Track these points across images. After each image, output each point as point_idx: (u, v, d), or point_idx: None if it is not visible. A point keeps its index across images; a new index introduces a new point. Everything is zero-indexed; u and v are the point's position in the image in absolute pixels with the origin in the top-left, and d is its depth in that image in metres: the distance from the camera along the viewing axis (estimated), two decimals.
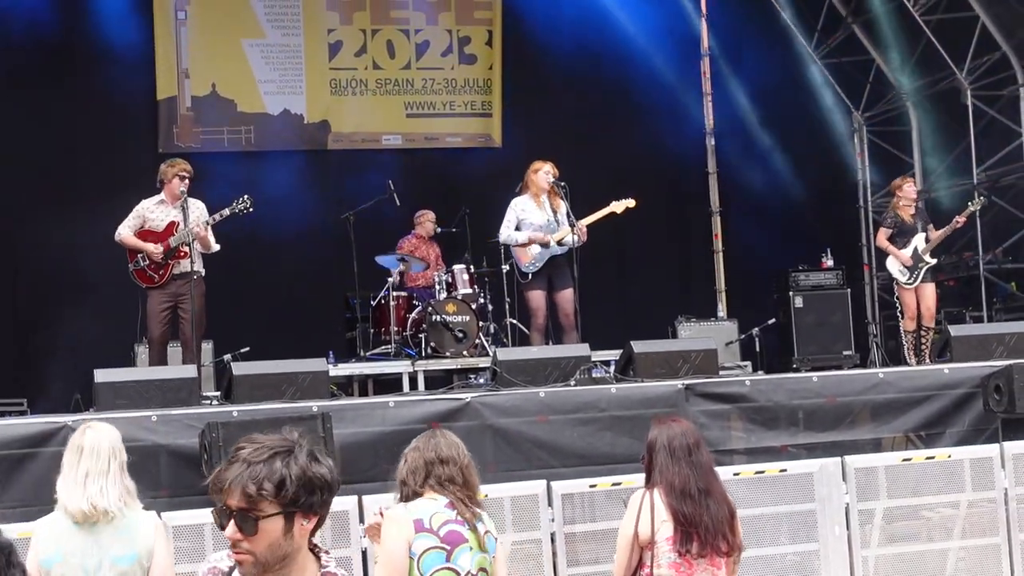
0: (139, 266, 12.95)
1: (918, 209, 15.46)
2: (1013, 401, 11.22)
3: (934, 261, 15.26)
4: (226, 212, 12.95)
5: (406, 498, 6.03)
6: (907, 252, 15.12)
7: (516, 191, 14.12)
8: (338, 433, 10.07)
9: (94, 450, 5.82)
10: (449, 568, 5.92)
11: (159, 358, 12.99)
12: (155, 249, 12.80)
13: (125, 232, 12.92)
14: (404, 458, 6.15)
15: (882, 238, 15.44)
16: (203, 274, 12.98)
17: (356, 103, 18.97)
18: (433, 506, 5.97)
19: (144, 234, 12.93)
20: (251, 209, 13.05)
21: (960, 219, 15.28)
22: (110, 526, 5.78)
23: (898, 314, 15.72)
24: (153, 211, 12.98)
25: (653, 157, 19.39)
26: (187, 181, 12.90)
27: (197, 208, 13.05)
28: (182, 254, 12.79)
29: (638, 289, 19.05)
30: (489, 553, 6.04)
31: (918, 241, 15.13)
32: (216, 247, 13.01)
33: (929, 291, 15.24)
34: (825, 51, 20.12)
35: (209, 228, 12.86)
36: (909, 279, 15.15)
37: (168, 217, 12.91)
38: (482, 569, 6.00)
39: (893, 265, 15.29)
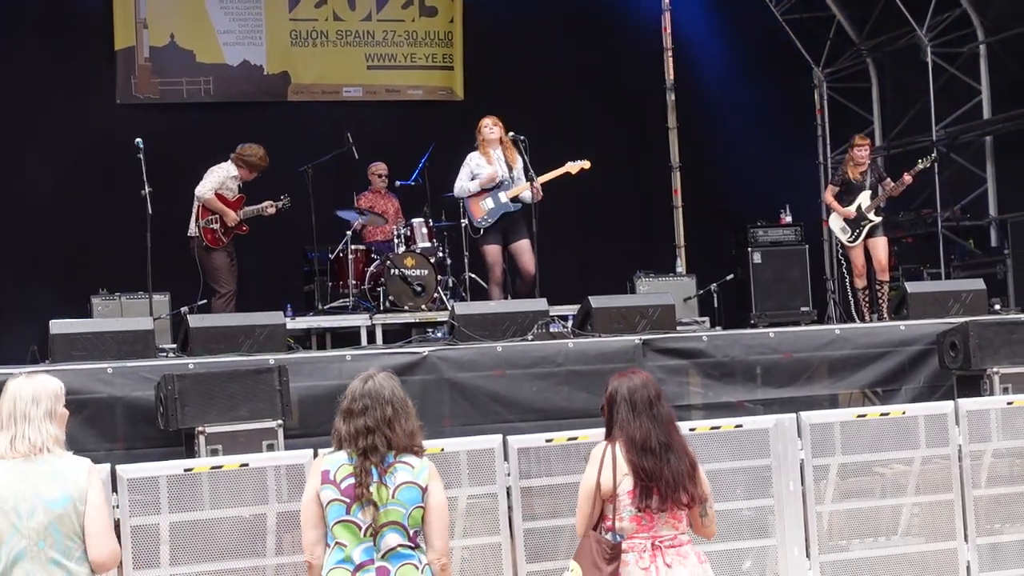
0: (209, 225, 14.02)
1: (870, 167, 15.31)
2: (968, 358, 11.30)
3: (878, 219, 15.08)
4: (271, 210, 14.44)
5: (335, 451, 6.17)
6: (850, 209, 15.07)
7: (474, 147, 14.13)
8: (295, 386, 10.07)
9: (15, 395, 5.83)
10: (349, 521, 6.00)
11: (236, 309, 13.84)
12: (235, 216, 14.10)
13: (211, 194, 14.03)
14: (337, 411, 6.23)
15: (828, 195, 15.46)
16: None
17: (316, 54, 18.87)
18: (342, 458, 6.07)
19: (219, 197, 14.07)
20: (289, 205, 14.69)
21: (908, 176, 15.08)
22: (42, 469, 5.75)
23: (844, 271, 15.78)
24: (229, 183, 14.22)
25: (614, 111, 19.38)
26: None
27: None
28: (244, 229, 14.21)
29: (597, 244, 19.06)
30: (407, 504, 6.02)
31: (863, 199, 15.04)
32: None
33: (880, 244, 15.12)
34: (786, 7, 20.10)
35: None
36: (851, 237, 15.12)
37: (239, 191, 14.31)
38: (393, 522, 6.00)
39: (835, 222, 15.27)
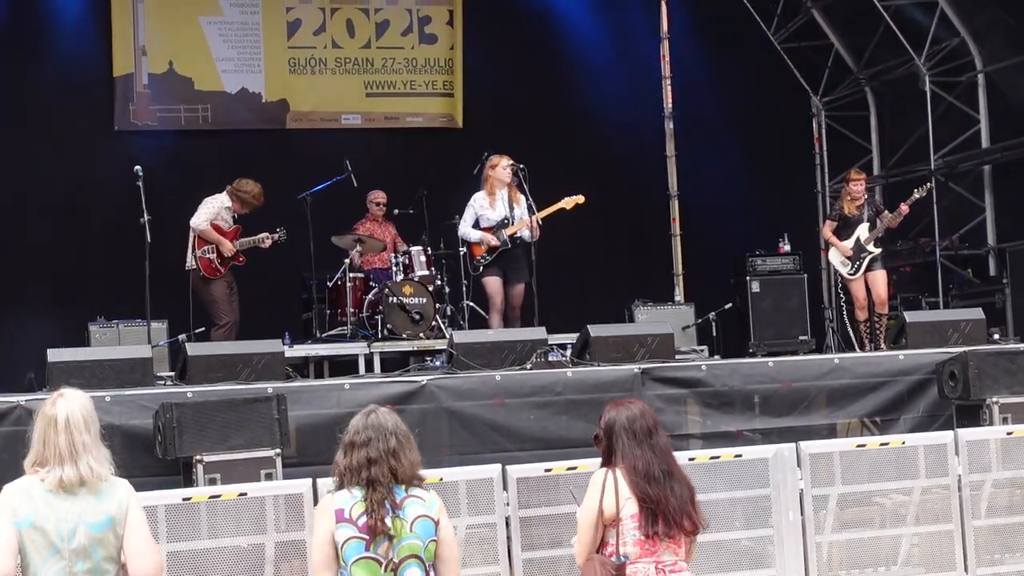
0: (206, 255, 14.03)
1: (867, 199, 15.37)
2: (967, 388, 11.29)
3: (877, 251, 15.14)
4: (268, 242, 14.41)
5: (337, 487, 6.06)
6: (849, 243, 15.12)
7: (475, 173, 14.16)
8: (293, 415, 10.05)
9: (70, 421, 5.76)
10: (369, 557, 5.87)
11: (236, 338, 13.78)
12: (231, 247, 14.08)
13: (206, 225, 14.06)
14: (339, 445, 6.16)
15: (827, 230, 15.52)
16: None
17: (315, 82, 18.87)
18: (351, 495, 5.94)
19: (215, 227, 14.09)
20: (285, 238, 14.59)
21: (904, 207, 15.08)
22: (90, 493, 5.72)
23: (843, 304, 15.78)
24: (224, 213, 14.23)
25: (613, 138, 19.36)
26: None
27: None
28: (240, 260, 14.24)
29: (595, 273, 19.06)
30: (424, 538, 5.93)
31: (861, 231, 15.10)
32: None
33: (880, 278, 15.17)
34: (784, 35, 20.12)
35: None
36: (851, 270, 15.17)
37: (234, 222, 14.31)
38: (413, 555, 5.91)
39: (835, 257, 15.33)
